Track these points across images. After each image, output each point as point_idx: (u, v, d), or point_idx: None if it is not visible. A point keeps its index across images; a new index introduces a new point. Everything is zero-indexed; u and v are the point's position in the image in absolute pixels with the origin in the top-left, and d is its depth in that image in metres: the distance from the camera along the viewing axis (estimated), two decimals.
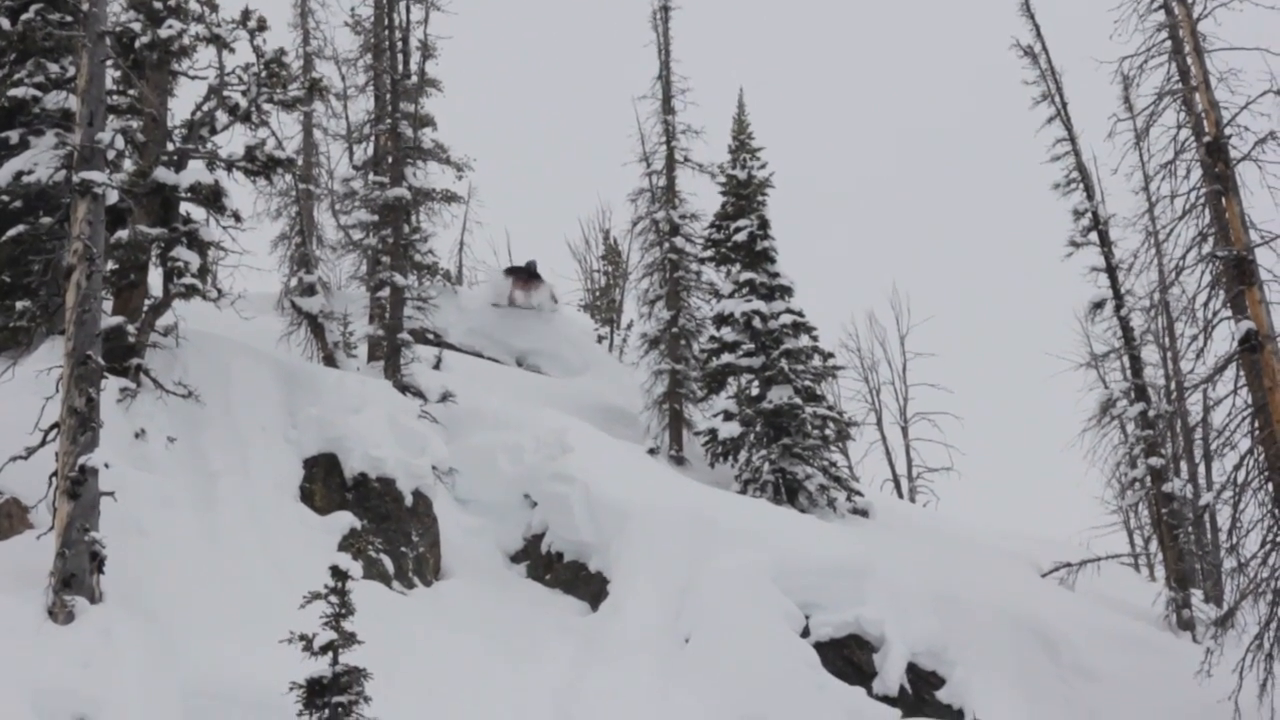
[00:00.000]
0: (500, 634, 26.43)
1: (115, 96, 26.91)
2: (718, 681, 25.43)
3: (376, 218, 38.26)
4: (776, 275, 39.90)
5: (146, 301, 27.14)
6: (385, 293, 37.06)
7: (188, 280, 26.25)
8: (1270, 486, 27.44)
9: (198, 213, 27.46)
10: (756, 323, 38.73)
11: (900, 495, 54.38)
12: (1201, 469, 45.98)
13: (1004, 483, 59.21)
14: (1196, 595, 38.23)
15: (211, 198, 27.07)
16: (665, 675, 25.65)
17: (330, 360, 36.91)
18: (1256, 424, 27.75)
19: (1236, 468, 28.32)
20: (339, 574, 17.53)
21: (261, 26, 27.99)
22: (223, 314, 27.93)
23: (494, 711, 22.76)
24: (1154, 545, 45.74)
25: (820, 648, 27.28)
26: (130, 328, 25.92)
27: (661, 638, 26.66)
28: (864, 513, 38.32)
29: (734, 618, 26.65)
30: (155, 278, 27.44)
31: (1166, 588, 36.86)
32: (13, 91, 27.77)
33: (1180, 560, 37.64)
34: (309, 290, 38.85)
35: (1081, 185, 40.14)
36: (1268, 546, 27.41)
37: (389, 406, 29.08)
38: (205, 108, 27.79)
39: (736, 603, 26.93)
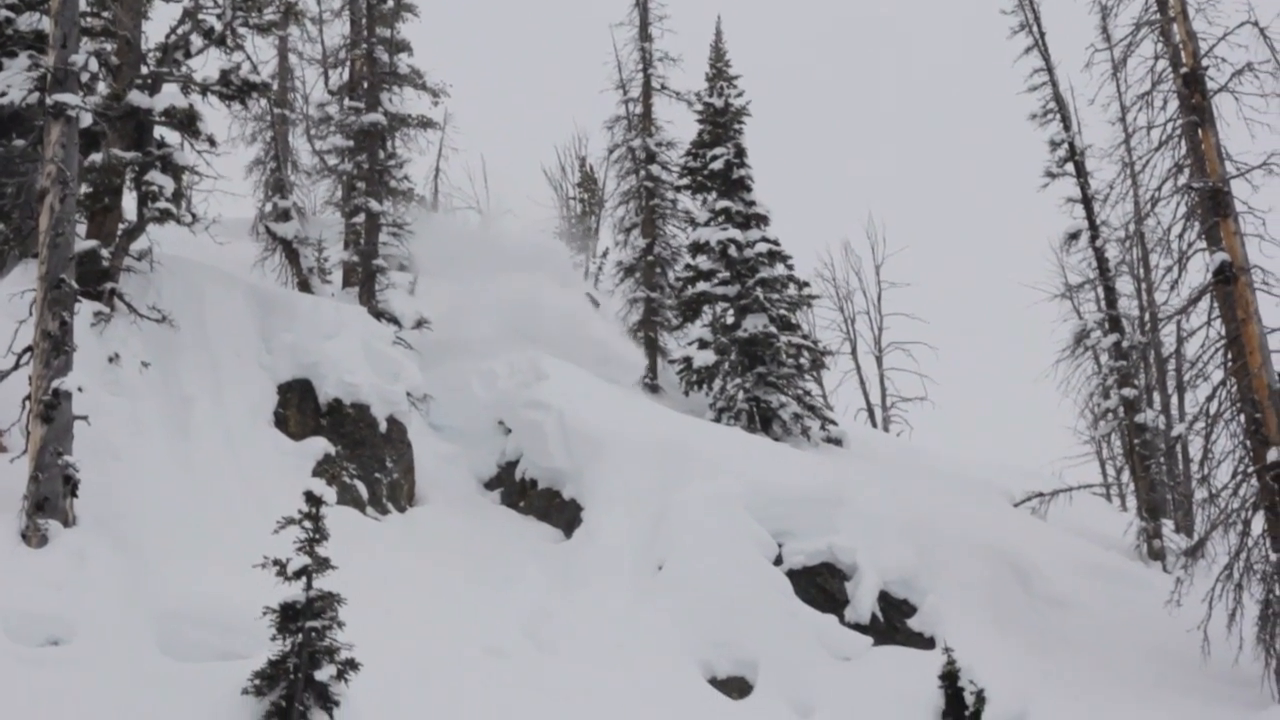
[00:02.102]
0: (473, 560, 26.50)
1: (89, 19, 26.64)
2: (690, 608, 25.55)
3: (352, 143, 38.11)
4: (753, 204, 39.86)
5: (121, 226, 26.95)
6: (360, 219, 36.93)
7: (162, 205, 26.12)
8: (1242, 418, 27.55)
9: (172, 137, 27.24)
10: (732, 251, 38.71)
11: (874, 424, 54.56)
12: (1174, 400, 46.24)
13: (978, 413, 59.47)
14: (1167, 525, 38.48)
15: (186, 122, 26.87)
16: (638, 602, 25.74)
17: (305, 286, 36.81)
18: (1229, 355, 27.83)
19: (1209, 399, 28.43)
20: (313, 499, 17.52)
21: None
22: (197, 239, 27.81)
23: (466, 636, 22.83)
24: (1126, 476, 46.08)
25: (793, 575, 27.39)
26: (104, 252, 25.76)
27: (635, 565, 26.74)
28: (838, 441, 38.45)
29: (707, 545, 26.72)
30: (129, 202, 27.25)
31: (1138, 518, 37.08)
32: None
33: (1152, 491, 37.86)
34: (284, 216, 38.69)
35: (1058, 116, 40.18)
36: (1239, 477, 27.55)
37: (364, 332, 29.00)
38: (180, 31, 27.55)
39: (710, 530, 27.00)
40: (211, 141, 27.37)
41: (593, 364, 37.50)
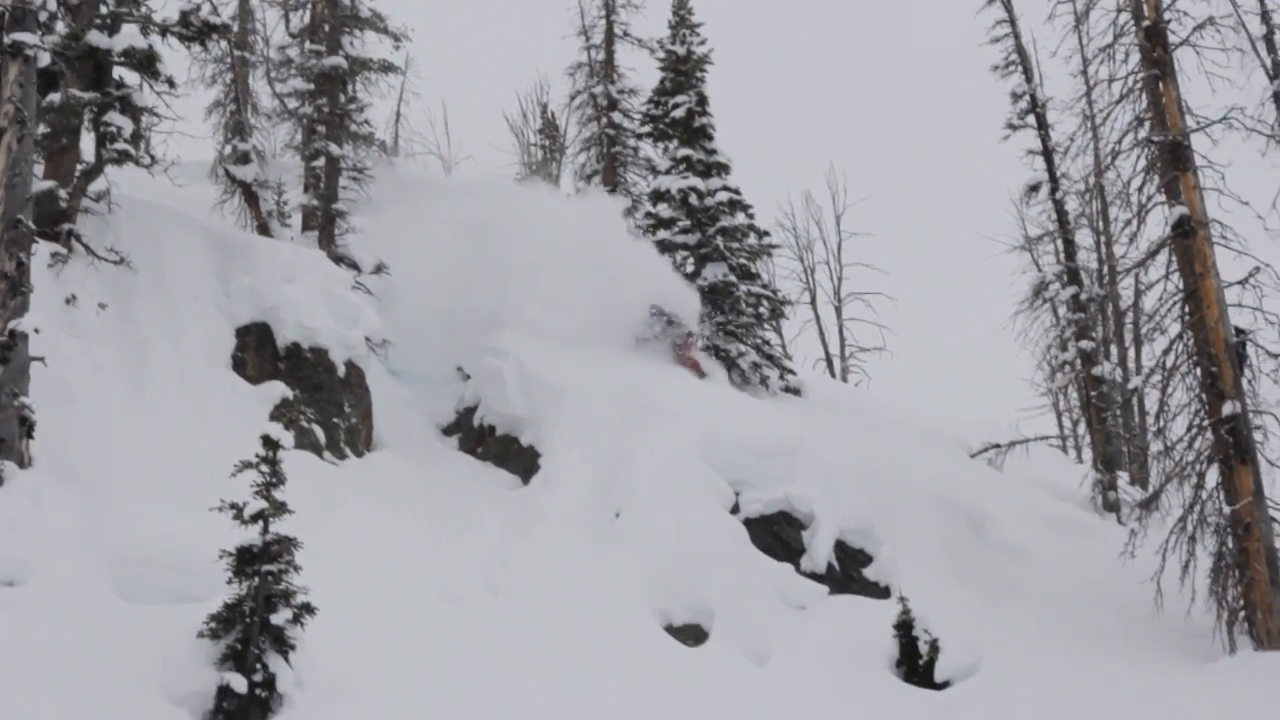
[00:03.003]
0: (431, 505, 26.55)
1: None
2: (647, 556, 25.63)
3: (312, 86, 37.89)
4: (714, 152, 39.79)
5: (79, 167, 26.77)
6: (320, 162, 36.80)
7: (121, 146, 25.93)
8: (1198, 371, 27.67)
9: (131, 78, 27.04)
10: (693, 199, 38.65)
11: (833, 375, 54.67)
12: (1131, 353, 46.44)
13: (936, 364, 59.55)
14: (1123, 478, 38.73)
15: (145, 63, 26.68)
16: (595, 548, 25.82)
17: (264, 230, 36.63)
18: (1187, 309, 27.95)
19: (1166, 352, 28.55)
20: (270, 443, 17.52)
21: None
22: (156, 181, 27.64)
23: (423, 581, 22.88)
24: (1082, 428, 46.37)
25: (750, 524, 27.48)
26: (62, 192, 25.61)
27: (592, 512, 26.80)
28: (796, 391, 38.53)
29: (665, 494, 26.79)
30: (87, 143, 27.07)
31: (1093, 470, 37.28)
32: None
33: (1107, 443, 38.08)
34: (243, 158, 38.46)
35: (1020, 68, 40.26)
36: (1194, 430, 27.71)
37: (323, 277, 28.92)
38: None
39: (667, 479, 27.07)
40: (171, 83, 27.17)
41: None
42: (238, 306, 27.12)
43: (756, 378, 36.95)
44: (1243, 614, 26.32)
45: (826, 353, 55.86)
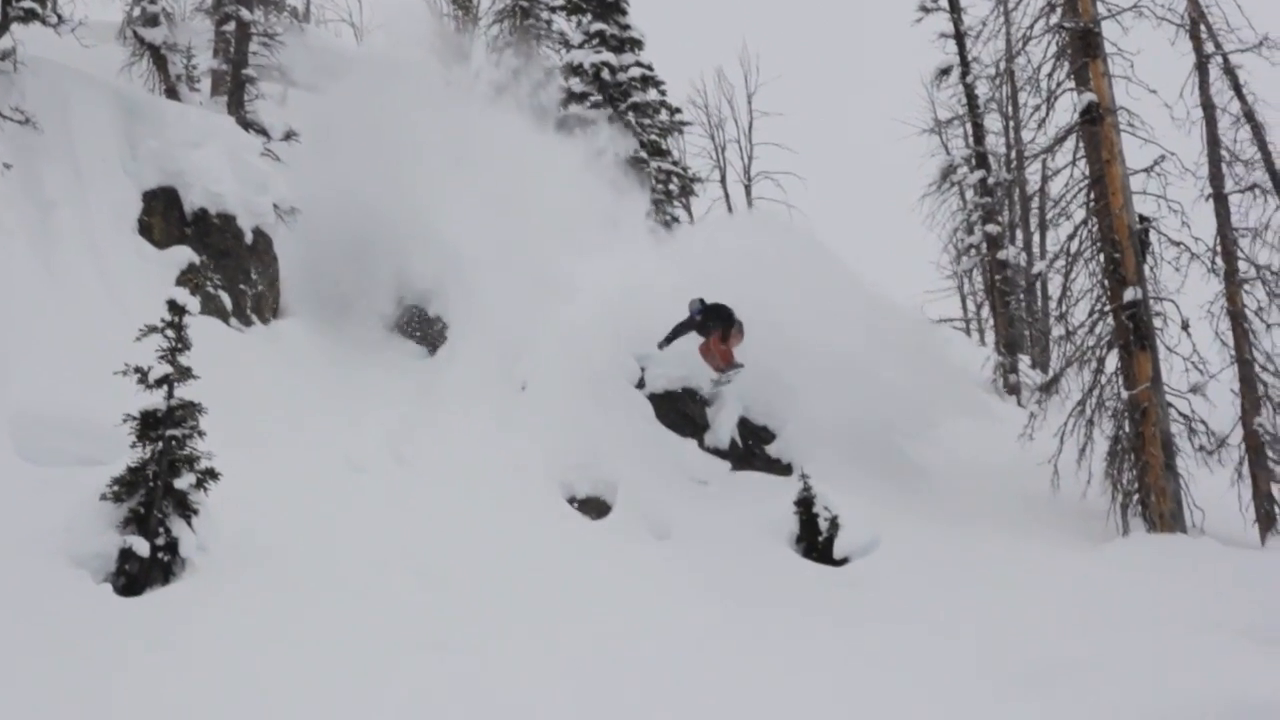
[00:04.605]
0: (337, 374, 26.53)
1: None
2: (552, 429, 25.78)
3: None
4: (627, 28, 39.66)
5: None
6: (230, 27, 36.30)
7: (27, 4, 25.51)
8: (1102, 258, 27.95)
9: None
10: (605, 75, 38.58)
11: None
12: (1036, 238, 46.78)
13: (843, 245, 59.61)
14: (1024, 361, 39.20)
15: None
16: (500, 421, 25.95)
17: (172, 94, 36.12)
18: (1092, 195, 28.18)
19: (1070, 238, 28.80)
20: (176, 308, 17.41)
21: None
22: (63, 41, 27.21)
23: (328, 449, 22.94)
24: (986, 311, 46.74)
25: (654, 399, 27.68)
26: None
27: (498, 384, 26.92)
28: None
29: (571, 367, 26.92)
30: None
31: (995, 353, 37.73)
32: None
33: (1010, 326, 38.50)
34: (152, 20, 37.83)
35: None
36: (1095, 316, 28.03)
37: (231, 142, 28.59)
38: None
39: (574, 352, 27.18)
40: None
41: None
42: (145, 170, 26.79)
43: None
44: (1137, 497, 26.77)
45: None
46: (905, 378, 29.13)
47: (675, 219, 39.02)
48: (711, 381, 28.13)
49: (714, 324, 27.35)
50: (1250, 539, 26.75)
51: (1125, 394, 27.04)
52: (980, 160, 39.61)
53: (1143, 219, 28.06)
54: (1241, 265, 28.20)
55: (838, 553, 24.34)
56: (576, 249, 31.51)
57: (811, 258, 32.07)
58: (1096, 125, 27.81)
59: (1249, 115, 28.80)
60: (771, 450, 27.79)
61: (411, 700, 14.98)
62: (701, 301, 27.09)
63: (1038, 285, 42.15)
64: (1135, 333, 27.00)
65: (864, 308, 30.40)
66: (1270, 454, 27.06)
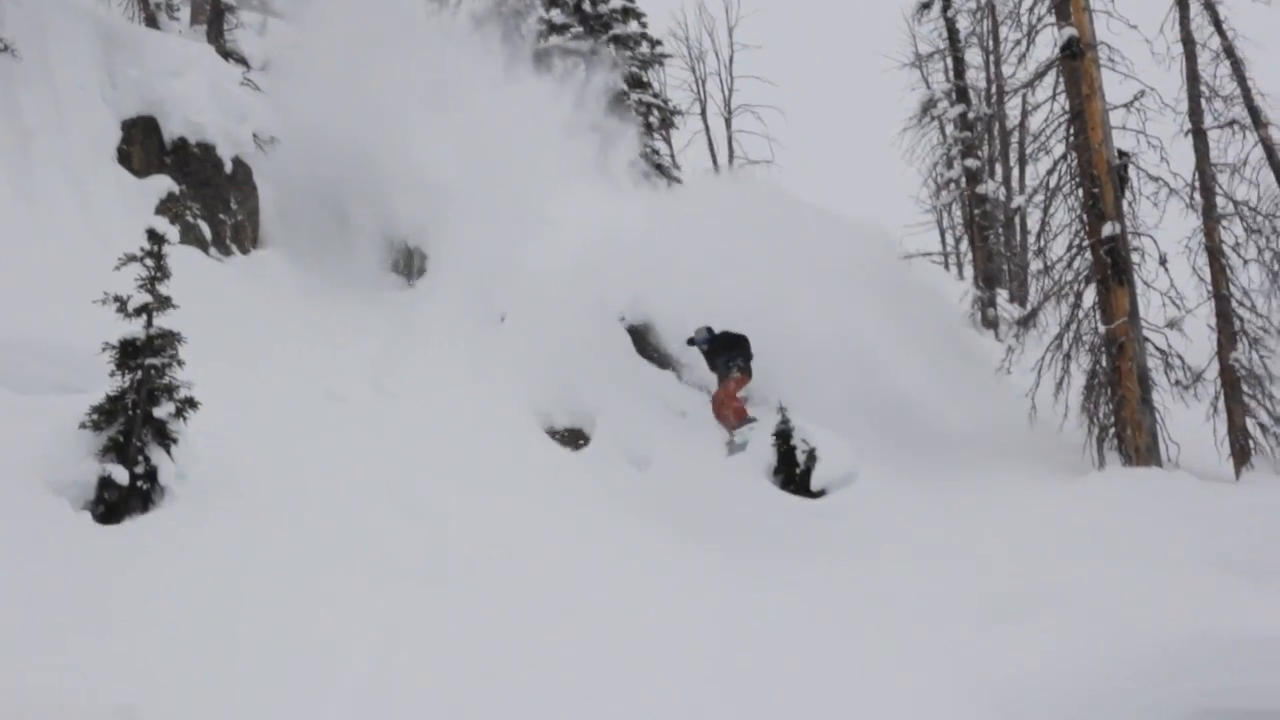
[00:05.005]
0: (316, 304, 26.51)
1: None
2: (531, 360, 25.82)
3: None
4: None
5: None
6: None
7: None
8: (1080, 192, 28.05)
9: None
10: (586, 6, 38.44)
11: None
12: (1015, 173, 46.79)
13: (823, 179, 59.63)
14: (1002, 295, 39.31)
15: None
16: (480, 352, 25.95)
17: (152, 21, 35.98)
18: (1072, 130, 28.25)
19: (1049, 173, 28.90)
20: (155, 237, 17.35)
21: None
22: None
23: (307, 379, 22.92)
24: (964, 245, 46.87)
25: (634, 332, 27.74)
26: None
27: (477, 315, 26.93)
28: None
29: (550, 299, 26.96)
30: None
31: (974, 287, 37.81)
32: None
33: (988, 260, 38.57)
34: None
35: None
36: (1073, 250, 28.14)
37: (211, 72, 28.48)
38: None
39: (554, 284, 27.21)
40: None
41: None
42: (124, 98, 26.69)
43: (645, 186, 36.99)
44: (1113, 431, 26.98)
45: (715, 164, 55.74)
46: (886, 316, 29.23)
47: (656, 151, 38.97)
48: (727, 445, 25.78)
49: (724, 358, 25.82)
50: (1225, 473, 26.95)
51: (1102, 328, 27.20)
52: (960, 95, 39.61)
53: (1122, 154, 28.14)
54: (1220, 201, 28.31)
55: (815, 485, 24.47)
56: (560, 186, 31.45)
57: (795, 210, 32.17)
58: (1077, 60, 27.86)
59: (1229, 51, 28.86)
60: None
61: (389, 631, 15.04)
62: (709, 330, 25.66)
63: (1016, 220, 42.25)
64: (1113, 268, 27.12)
65: (846, 253, 30.47)
66: (1245, 389, 27.23)
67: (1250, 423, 27.16)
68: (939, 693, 17.45)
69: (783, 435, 24.96)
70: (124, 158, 26.11)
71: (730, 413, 25.38)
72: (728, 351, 24.97)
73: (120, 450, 16.93)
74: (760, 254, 28.55)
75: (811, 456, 24.65)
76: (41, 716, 8.86)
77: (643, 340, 27.93)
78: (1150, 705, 17.46)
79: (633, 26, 38.90)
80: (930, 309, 32.85)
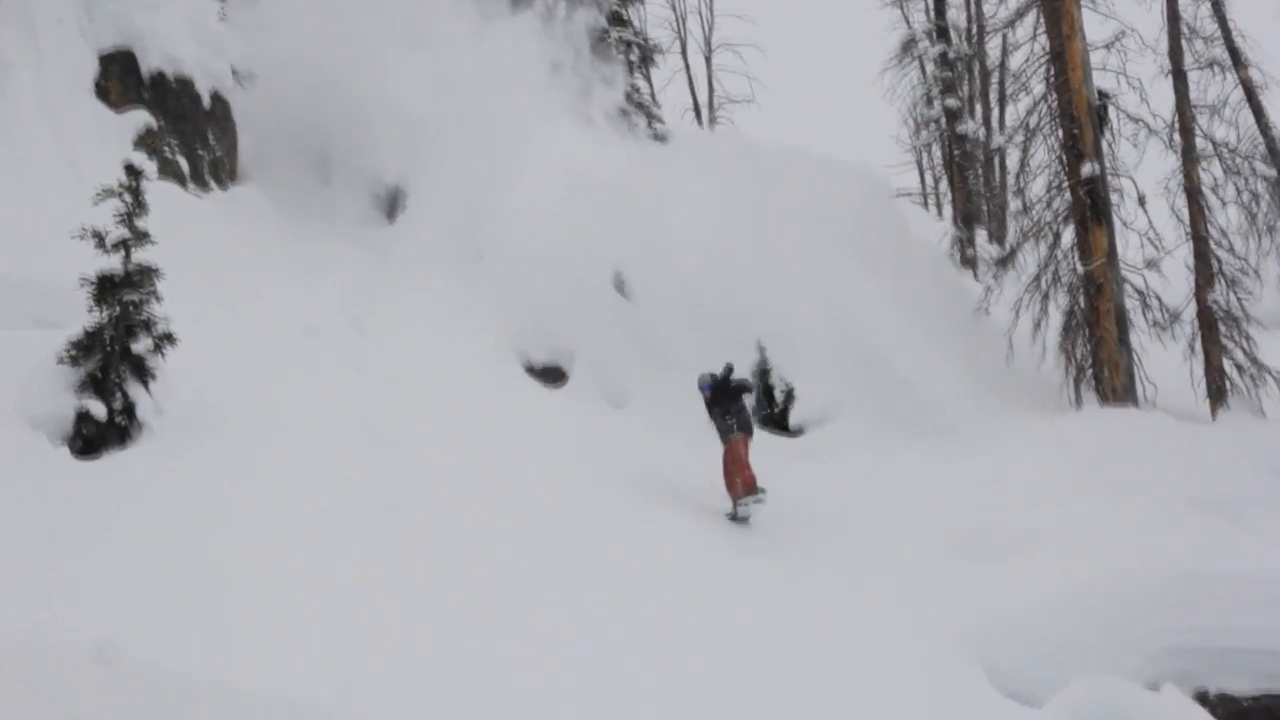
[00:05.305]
0: (294, 239, 26.50)
1: None
2: (510, 297, 25.95)
3: None
4: None
5: None
6: None
7: None
8: (1060, 132, 28.12)
9: None
10: None
11: (700, 124, 54.59)
12: (995, 112, 46.75)
13: (802, 118, 59.55)
14: (981, 235, 39.33)
15: None
16: (458, 288, 26.02)
17: None
18: (1052, 70, 28.29)
19: (1030, 112, 28.98)
20: (133, 172, 17.33)
21: None
22: None
23: (284, 314, 22.93)
24: (944, 184, 46.82)
25: (616, 276, 27.73)
26: None
27: (455, 252, 26.96)
28: (663, 139, 38.56)
29: (529, 236, 26.92)
30: None
31: (953, 226, 37.83)
32: None
33: (968, 200, 38.58)
34: None
35: None
36: (1052, 190, 28.23)
37: (189, 5, 28.26)
38: None
39: (533, 222, 27.16)
40: None
41: None
42: (102, 32, 26.51)
43: (625, 124, 36.88)
44: (1090, 370, 27.11)
45: (695, 102, 55.54)
46: (860, 253, 29.26)
47: (637, 89, 38.85)
48: (728, 516, 21.32)
49: (720, 408, 21.99)
50: (1201, 413, 27.07)
51: (1081, 268, 27.29)
52: (941, 34, 39.52)
53: (1102, 94, 28.19)
54: (1199, 142, 28.38)
55: (792, 422, 24.60)
56: (541, 125, 31.34)
57: (779, 158, 32.17)
58: (1057, 0, 27.85)
59: None
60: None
61: (362, 565, 15.11)
62: (713, 377, 22.00)
63: (996, 159, 42.29)
64: (1092, 208, 27.20)
65: (832, 201, 30.48)
66: (1223, 329, 27.34)
67: (1227, 363, 27.27)
68: (911, 631, 17.61)
69: (762, 373, 25.05)
70: (101, 91, 25.97)
71: (740, 481, 21.36)
72: (726, 402, 22.44)
73: (98, 385, 16.97)
74: (744, 207, 28.56)
75: (790, 395, 24.80)
76: (21, 650, 8.85)
77: (623, 280, 27.92)
78: (1125, 644, 17.66)
79: None
80: (914, 253, 32.73)
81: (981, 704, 16.62)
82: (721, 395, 21.64)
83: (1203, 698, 17.82)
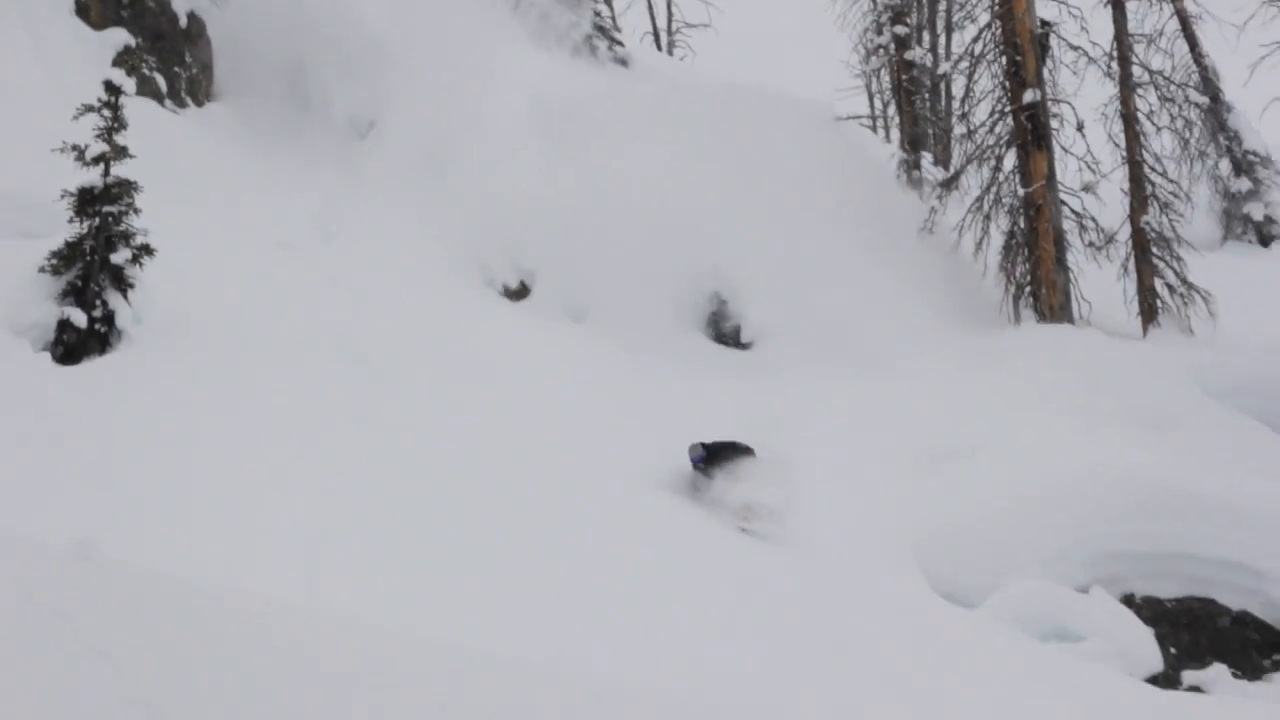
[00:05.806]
0: (266, 152, 26.62)
1: None
2: (474, 214, 26.34)
3: None
4: None
5: None
6: None
7: None
8: (1004, 60, 28.81)
9: None
10: None
11: (659, 49, 54.90)
12: (942, 40, 47.25)
13: (757, 43, 59.95)
14: (927, 158, 39.96)
15: None
16: (425, 205, 26.26)
17: None
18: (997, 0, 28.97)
19: (975, 40, 29.65)
20: (112, 89, 17.77)
21: None
22: None
23: (258, 228, 23.32)
24: (892, 109, 47.29)
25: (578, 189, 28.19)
26: None
27: (424, 171, 27.17)
28: (623, 62, 39.02)
29: (495, 156, 27.32)
30: None
31: (900, 149, 38.42)
32: None
33: (915, 125, 39.24)
34: None
35: None
36: (995, 116, 28.95)
37: None
38: None
39: (499, 143, 27.59)
40: None
41: None
42: None
43: (587, 48, 37.31)
44: (1029, 289, 27.88)
45: (654, 27, 55.88)
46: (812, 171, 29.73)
47: (598, 13, 39.27)
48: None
49: (725, 471, 20.09)
50: (1133, 331, 27.90)
51: (1021, 191, 28.07)
52: None
53: (1044, 23, 28.90)
54: (1136, 70, 29.12)
55: (744, 338, 25.32)
56: (508, 45, 31.63)
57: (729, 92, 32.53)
58: None
59: None
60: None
61: (322, 466, 15.75)
62: (703, 446, 20.14)
63: (942, 86, 42.77)
64: (1033, 133, 27.95)
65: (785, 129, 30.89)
66: (1155, 251, 28.17)
67: (1158, 283, 28.09)
68: (854, 537, 18.49)
69: (716, 293, 25.77)
70: (81, 10, 26.17)
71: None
72: (719, 461, 19.99)
73: (79, 294, 17.53)
74: (698, 139, 29.03)
75: (740, 320, 25.51)
76: (2, 546, 9.30)
77: (585, 204, 28.24)
78: (1056, 551, 18.70)
79: None
80: (861, 177, 33.09)
81: (919, 604, 17.52)
82: (713, 458, 20.08)
83: (1129, 600, 18.88)
